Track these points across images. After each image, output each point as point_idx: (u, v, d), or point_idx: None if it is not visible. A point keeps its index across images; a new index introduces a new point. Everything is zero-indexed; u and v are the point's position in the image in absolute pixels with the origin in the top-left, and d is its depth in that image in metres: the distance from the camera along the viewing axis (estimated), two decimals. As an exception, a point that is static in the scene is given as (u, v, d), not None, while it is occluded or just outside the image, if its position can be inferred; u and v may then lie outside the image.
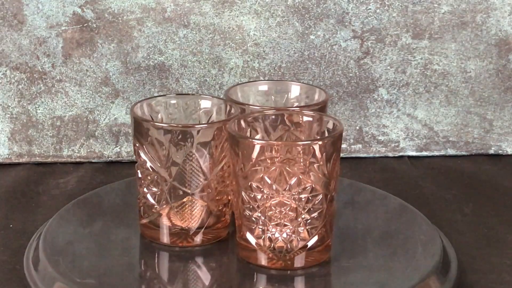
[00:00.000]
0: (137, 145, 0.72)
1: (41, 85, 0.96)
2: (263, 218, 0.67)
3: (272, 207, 0.67)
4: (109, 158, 0.99)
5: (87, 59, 0.96)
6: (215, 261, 0.71)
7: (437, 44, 0.98)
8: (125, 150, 0.99)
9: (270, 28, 0.97)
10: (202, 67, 0.97)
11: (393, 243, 0.74)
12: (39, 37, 0.95)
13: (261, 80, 0.87)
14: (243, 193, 0.68)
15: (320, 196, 0.67)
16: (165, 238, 0.73)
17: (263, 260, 0.69)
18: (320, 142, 0.67)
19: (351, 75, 0.99)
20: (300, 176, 0.66)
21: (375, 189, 0.86)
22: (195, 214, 0.72)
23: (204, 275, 0.70)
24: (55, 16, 0.95)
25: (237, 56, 0.97)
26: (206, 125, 0.72)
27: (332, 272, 0.70)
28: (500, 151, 1.02)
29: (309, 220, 0.67)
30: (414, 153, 1.01)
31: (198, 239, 0.73)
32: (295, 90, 0.81)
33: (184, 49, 0.97)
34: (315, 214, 0.68)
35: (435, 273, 0.69)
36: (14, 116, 0.97)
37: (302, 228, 0.68)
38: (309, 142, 0.68)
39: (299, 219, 0.67)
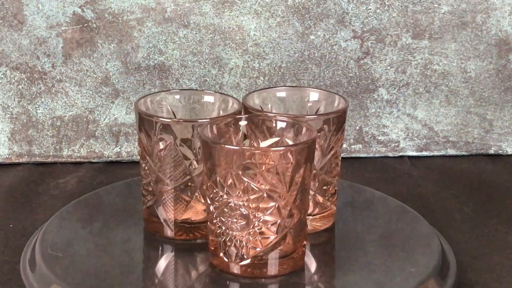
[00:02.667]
0: (138, 135, 0.73)
1: (41, 85, 0.96)
2: (219, 222, 0.66)
3: (225, 211, 0.65)
4: (109, 158, 0.99)
5: (87, 59, 0.96)
6: (197, 261, 0.71)
7: (437, 44, 0.98)
8: (125, 150, 0.99)
9: (270, 28, 0.97)
10: (202, 67, 0.97)
11: (392, 244, 0.73)
12: (39, 37, 0.95)
13: (280, 86, 0.84)
14: (207, 193, 0.67)
15: (276, 207, 0.64)
16: (169, 232, 0.73)
17: (235, 268, 0.67)
18: (276, 148, 0.64)
19: (351, 75, 0.99)
20: (252, 184, 0.63)
21: (373, 190, 0.85)
22: (177, 208, 0.72)
23: (177, 277, 0.69)
24: (55, 16, 0.95)
25: (237, 56, 0.97)
26: (189, 121, 0.71)
27: (330, 273, 0.69)
28: (500, 151, 1.02)
29: (262, 229, 0.65)
30: (414, 153, 1.01)
31: (193, 234, 0.73)
32: (314, 96, 0.79)
33: (184, 49, 0.97)
34: (270, 224, 0.65)
35: (434, 275, 0.69)
36: (14, 116, 0.97)
37: (255, 236, 0.65)
38: (265, 150, 0.64)
39: (250, 227, 0.65)
